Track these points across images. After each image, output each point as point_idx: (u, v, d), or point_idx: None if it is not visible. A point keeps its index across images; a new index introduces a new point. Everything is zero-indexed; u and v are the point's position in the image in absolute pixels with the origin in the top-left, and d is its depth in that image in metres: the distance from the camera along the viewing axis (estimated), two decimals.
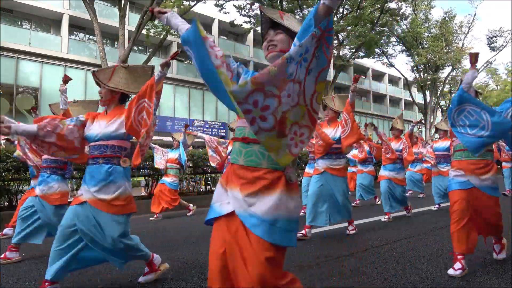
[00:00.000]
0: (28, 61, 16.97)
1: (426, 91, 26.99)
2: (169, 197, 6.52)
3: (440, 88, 28.60)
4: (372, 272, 2.93)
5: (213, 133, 20.70)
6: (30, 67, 17.08)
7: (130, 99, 2.78)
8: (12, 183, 6.16)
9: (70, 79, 3.60)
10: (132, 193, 2.68)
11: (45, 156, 3.69)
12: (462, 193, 2.98)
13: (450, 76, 29.87)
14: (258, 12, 18.49)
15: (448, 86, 30.91)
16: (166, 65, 2.59)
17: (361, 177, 7.49)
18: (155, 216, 6.43)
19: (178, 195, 6.73)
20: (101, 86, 2.68)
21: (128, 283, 2.79)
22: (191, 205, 6.95)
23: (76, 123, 2.60)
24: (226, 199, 1.54)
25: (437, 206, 6.57)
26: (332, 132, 4.38)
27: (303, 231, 4.24)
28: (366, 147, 7.36)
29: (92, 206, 2.45)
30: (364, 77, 32.66)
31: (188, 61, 24.32)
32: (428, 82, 26.97)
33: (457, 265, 2.83)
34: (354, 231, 4.48)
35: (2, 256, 3.49)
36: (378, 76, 34.97)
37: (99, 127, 2.59)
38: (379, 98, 34.42)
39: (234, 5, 18.15)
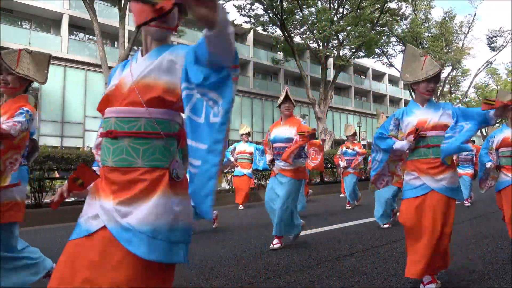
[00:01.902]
0: None
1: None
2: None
3: (440, 88, 28.58)
4: (372, 272, 2.93)
5: None
6: None
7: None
8: None
9: None
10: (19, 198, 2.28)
11: None
12: (415, 202, 2.53)
13: (450, 76, 29.88)
14: (258, 12, 18.50)
15: (448, 86, 30.92)
16: None
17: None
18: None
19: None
20: (8, 72, 2.32)
21: None
22: None
23: None
24: (92, 211, 1.21)
25: None
26: (286, 130, 4.00)
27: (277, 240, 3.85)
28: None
29: None
30: (364, 77, 32.68)
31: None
32: None
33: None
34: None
35: None
36: (378, 76, 34.98)
37: None
38: (379, 98, 34.43)
39: (234, 5, 18.14)
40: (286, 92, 4.03)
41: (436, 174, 2.51)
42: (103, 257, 1.13)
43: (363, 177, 10.97)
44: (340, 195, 9.72)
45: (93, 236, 1.18)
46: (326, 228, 4.94)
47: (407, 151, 2.62)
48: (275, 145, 4.00)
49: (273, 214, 3.90)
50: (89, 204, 1.25)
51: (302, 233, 4.63)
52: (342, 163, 7.45)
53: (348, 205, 7.36)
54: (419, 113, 2.62)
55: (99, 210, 1.19)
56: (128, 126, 1.21)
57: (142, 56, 1.35)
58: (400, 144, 2.60)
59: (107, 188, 1.20)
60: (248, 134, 7.53)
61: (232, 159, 7.09)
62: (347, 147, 7.53)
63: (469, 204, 7.44)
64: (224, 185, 10.03)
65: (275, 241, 3.84)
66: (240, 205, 7.58)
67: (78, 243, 1.18)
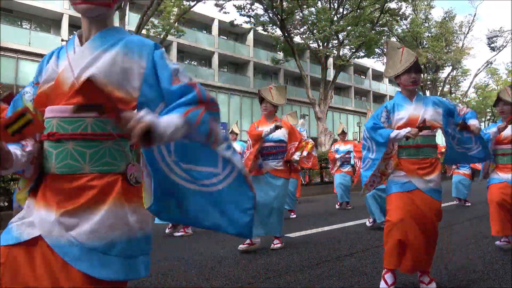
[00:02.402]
0: (28, 61, 16.97)
1: (426, 91, 26.99)
2: None
3: (440, 88, 28.62)
4: (372, 272, 2.92)
5: None
6: (30, 67, 17.08)
7: None
8: (12, 183, 6.16)
9: None
10: None
11: None
12: (402, 196, 2.44)
13: (450, 76, 29.89)
14: (258, 12, 18.51)
15: (448, 86, 30.92)
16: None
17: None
18: None
19: None
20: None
21: (128, 283, 2.79)
22: None
23: None
24: (29, 217, 1.05)
25: None
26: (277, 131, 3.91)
27: (248, 241, 3.68)
28: None
29: None
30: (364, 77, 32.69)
31: (187, 61, 24.32)
32: (428, 82, 26.99)
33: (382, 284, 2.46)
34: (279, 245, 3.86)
35: None
36: (378, 76, 34.96)
37: None
38: (379, 98, 34.42)
39: (234, 5, 18.14)
40: (259, 93, 3.96)
41: (425, 175, 2.44)
42: (43, 270, 0.99)
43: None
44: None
45: (29, 248, 1.01)
46: (326, 228, 4.94)
47: (403, 140, 2.45)
48: (265, 144, 3.89)
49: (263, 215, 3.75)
50: (26, 207, 1.09)
51: (302, 233, 4.63)
52: (338, 156, 7.37)
53: (338, 205, 7.29)
54: (410, 108, 2.53)
55: (37, 219, 1.03)
56: (72, 127, 1.04)
57: (81, 44, 1.14)
58: (396, 132, 2.43)
59: (51, 199, 1.03)
60: (236, 133, 7.58)
61: None
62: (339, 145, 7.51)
63: (469, 204, 7.44)
64: None
65: (276, 241, 3.84)
66: None
67: (15, 254, 1.01)
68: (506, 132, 3.42)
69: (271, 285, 2.67)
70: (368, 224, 5.06)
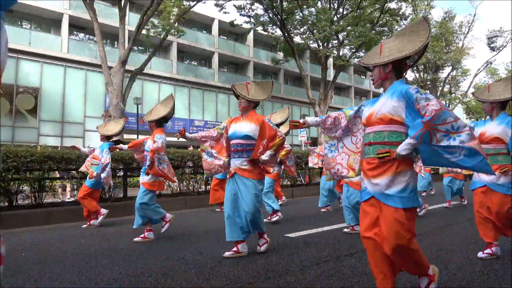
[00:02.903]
0: (28, 61, 16.98)
1: (426, 91, 26.99)
2: None
3: (440, 88, 28.62)
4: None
5: None
6: (30, 67, 17.09)
7: None
8: (12, 183, 6.16)
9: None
10: None
11: None
12: (365, 208, 2.23)
13: (450, 76, 29.89)
14: (258, 12, 18.50)
15: (448, 86, 30.92)
16: None
17: None
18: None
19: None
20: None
21: (128, 283, 2.79)
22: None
23: None
24: None
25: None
26: (244, 126, 3.59)
27: (234, 248, 3.51)
28: None
29: None
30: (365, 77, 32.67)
31: (187, 61, 24.32)
32: (428, 82, 27.00)
33: None
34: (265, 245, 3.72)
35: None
36: None
37: None
38: None
39: (234, 5, 18.15)
40: (233, 88, 3.69)
41: (373, 177, 2.18)
42: None
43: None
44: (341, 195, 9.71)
45: None
46: (326, 228, 4.94)
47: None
48: (232, 141, 3.62)
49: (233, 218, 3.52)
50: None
51: (302, 233, 4.63)
52: (311, 160, 7.18)
53: (323, 209, 6.78)
54: (377, 103, 2.26)
55: None
56: None
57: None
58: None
59: None
60: None
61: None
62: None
63: (465, 202, 7.46)
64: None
65: (261, 241, 3.68)
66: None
67: None
68: (490, 131, 3.24)
69: (271, 285, 2.67)
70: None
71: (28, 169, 6.28)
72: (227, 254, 3.48)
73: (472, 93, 3.38)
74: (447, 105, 30.16)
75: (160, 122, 4.51)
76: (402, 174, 2.11)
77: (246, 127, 3.55)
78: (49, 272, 3.11)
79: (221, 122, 5.10)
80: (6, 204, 6.17)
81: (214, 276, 2.89)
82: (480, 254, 3.28)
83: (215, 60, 24.07)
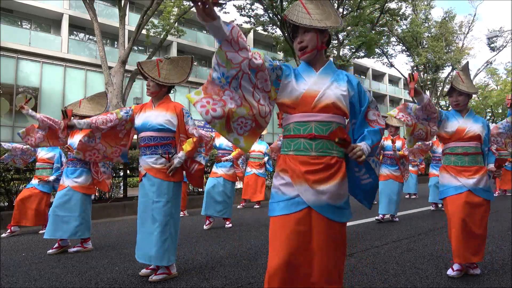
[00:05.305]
0: (28, 61, 16.97)
1: (426, 91, 27.01)
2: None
3: (440, 88, 28.61)
4: (372, 272, 2.93)
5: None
6: (30, 67, 17.08)
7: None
8: (12, 183, 6.16)
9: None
10: None
11: None
12: (285, 224, 1.60)
13: (450, 76, 29.84)
14: (258, 12, 18.50)
15: (448, 86, 30.85)
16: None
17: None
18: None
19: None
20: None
21: (128, 283, 2.79)
22: None
23: None
24: None
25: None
26: (157, 116, 2.93)
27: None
28: None
29: None
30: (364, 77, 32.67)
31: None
32: (428, 82, 26.99)
33: None
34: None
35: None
36: (378, 76, 34.99)
37: None
38: (379, 98, 34.43)
39: (234, 5, 18.15)
40: (138, 66, 2.97)
41: (318, 182, 1.59)
42: None
43: None
44: None
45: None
46: None
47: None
48: (142, 134, 2.95)
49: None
50: None
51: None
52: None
53: None
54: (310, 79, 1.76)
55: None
56: None
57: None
58: None
59: None
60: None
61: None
62: None
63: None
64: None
65: (159, 270, 2.88)
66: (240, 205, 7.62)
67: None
68: (471, 128, 2.84)
69: None
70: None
71: (28, 169, 6.28)
72: (143, 272, 2.94)
73: (451, 83, 2.95)
74: (447, 105, 30.17)
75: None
76: (344, 181, 1.68)
77: (159, 117, 2.89)
78: (49, 272, 3.11)
79: None
80: (6, 204, 6.17)
81: (214, 276, 2.89)
82: (450, 273, 2.81)
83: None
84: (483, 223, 2.77)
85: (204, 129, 21.41)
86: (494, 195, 8.53)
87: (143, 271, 2.96)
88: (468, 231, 2.70)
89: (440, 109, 2.98)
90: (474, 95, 2.80)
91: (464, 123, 2.87)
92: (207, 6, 1.33)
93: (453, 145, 2.88)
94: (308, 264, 1.54)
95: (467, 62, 3.19)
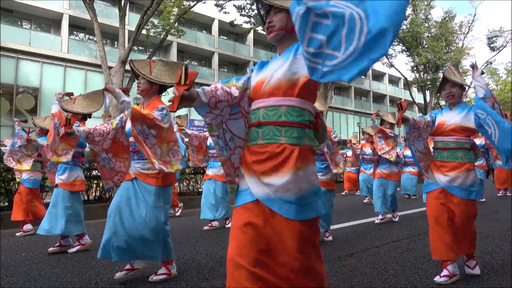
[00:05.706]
0: (28, 61, 16.97)
1: (426, 91, 27.01)
2: None
3: None
4: (372, 272, 2.93)
5: None
6: (30, 67, 17.08)
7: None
8: (12, 183, 6.16)
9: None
10: None
11: None
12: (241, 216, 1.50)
13: None
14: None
15: None
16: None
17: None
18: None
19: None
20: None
21: (128, 283, 2.79)
22: None
23: None
24: None
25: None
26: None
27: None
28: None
29: None
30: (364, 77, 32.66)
31: (187, 61, 24.31)
32: (428, 82, 26.99)
33: None
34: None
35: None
36: (378, 76, 34.99)
37: None
38: (379, 98, 34.43)
39: (234, 5, 18.16)
40: (130, 64, 2.83)
41: (264, 174, 1.45)
42: None
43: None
44: (342, 193, 9.71)
45: None
46: None
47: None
48: (131, 139, 2.82)
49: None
50: None
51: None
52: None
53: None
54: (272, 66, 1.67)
55: None
56: None
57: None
58: None
59: None
60: None
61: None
62: None
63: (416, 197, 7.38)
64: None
65: (161, 270, 2.87)
66: None
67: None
68: (451, 120, 2.73)
69: None
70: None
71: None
72: (118, 275, 2.82)
73: (443, 74, 2.87)
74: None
75: (85, 117, 3.90)
76: (303, 174, 1.45)
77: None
78: (49, 272, 3.11)
79: None
80: (6, 204, 6.17)
81: (214, 276, 2.89)
82: (437, 279, 2.64)
83: (215, 60, 24.06)
84: (463, 222, 2.62)
85: (204, 129, 21.41)
86: (498, 195, 8.55)
87: (118, 274, 2.84)
88: (442, 228, 2.61)
89: (430, 112, 2.94)
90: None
91: (447, 116, 2.78)
92: (182, 102, 1.34)
93: (436, 139, 2.82)
94: (268, 258, 1.40)
95: (459, 62, 3.14)
